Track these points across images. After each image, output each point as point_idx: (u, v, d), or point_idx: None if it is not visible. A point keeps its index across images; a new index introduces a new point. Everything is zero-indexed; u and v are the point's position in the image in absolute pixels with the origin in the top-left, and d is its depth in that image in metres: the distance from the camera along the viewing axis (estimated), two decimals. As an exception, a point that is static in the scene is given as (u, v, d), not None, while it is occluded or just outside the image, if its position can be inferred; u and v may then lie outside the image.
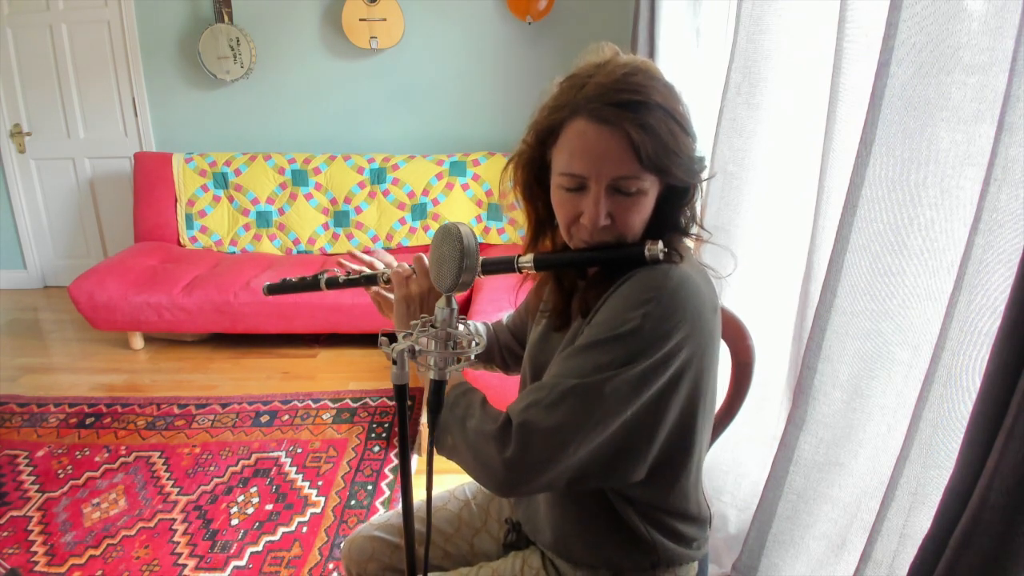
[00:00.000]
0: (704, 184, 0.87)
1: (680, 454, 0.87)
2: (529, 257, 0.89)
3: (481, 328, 1.18)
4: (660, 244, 0.79)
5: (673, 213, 0.86)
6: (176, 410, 2.57)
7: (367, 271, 1.08)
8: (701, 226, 0.89)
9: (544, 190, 0.88)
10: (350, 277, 1.08)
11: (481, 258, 0.90)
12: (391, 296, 1.09)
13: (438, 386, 0.77)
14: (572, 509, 0.93)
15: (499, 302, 2.56)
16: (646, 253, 0.79)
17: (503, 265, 0.90)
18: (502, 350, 1.18)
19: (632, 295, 0.79)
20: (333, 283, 1.09)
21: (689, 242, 0.88)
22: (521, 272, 0.90)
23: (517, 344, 1.16)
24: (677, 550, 0.92)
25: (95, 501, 2.04)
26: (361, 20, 3.29)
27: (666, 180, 0.81)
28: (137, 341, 3.14)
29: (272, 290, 1.16)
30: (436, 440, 0.84)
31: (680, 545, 0.93)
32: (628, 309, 0.78)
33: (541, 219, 0.92)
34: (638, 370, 0.75)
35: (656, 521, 0.91)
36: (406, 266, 1.03)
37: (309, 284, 1.12)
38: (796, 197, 1.46)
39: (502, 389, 1.81)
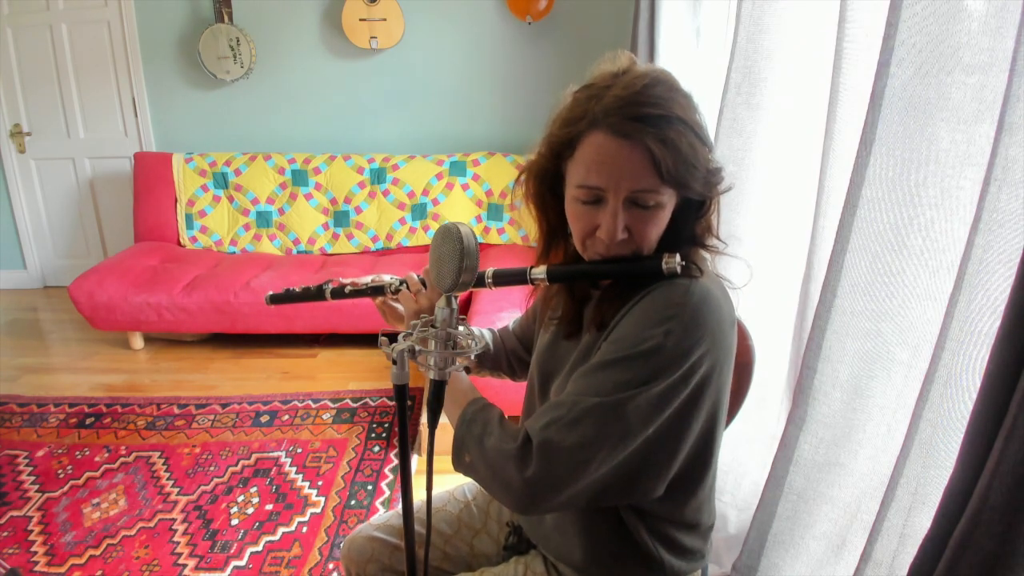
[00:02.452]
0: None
1: (698, 468, 0.86)
2: (542, 269, 0.87)
3: (487, 334, 1.17)
4: (677, 257, 0.78)
5: (689, 225, 0.84)
6: (176, 410, 2.57)
7: (374, 281, 1.07)
8: (718, 237, 0.87)
9: (557, 200, 0.86)
10: (356, 288, 1.06)
11: (493, 269, 0.90)
12: (398, 306, 1.08)
13: (438, 386, 0.77)
14: (580, 520, 0.92)
15: (499, 302, 2.56)
16: (663, 267, 0.78)
17: (515, 277, 0.89)
18: (509, 356, 1.17)
19: (653, 312, 0.78)
20: (338, 293, 1.07)
21: (705, 253, 0.87)
22: (534, 284, 0.88)
23: (524, 350, 1.15)
24: (682, 565, 0.92)
25: (95, 501, 2.04)
26: (361, 20, 3.29)
27: (684, 194, 0.79)
28: (137, 341, 3.14)
29: (275, 299, 1.15)
30: (453, 457, 0.84)
31: (685, 559, 0.93)
32: (649, 326, 0.76)
33: (553, 229, 0.90)
34: (660, 388, 0.74)
35: (664, 536, 0.90)
36: (414, 276, 1.02)
37: (313, 294, 1.09)
38: (796, 197, 1.46)
39: (503, 391, 1.81)
